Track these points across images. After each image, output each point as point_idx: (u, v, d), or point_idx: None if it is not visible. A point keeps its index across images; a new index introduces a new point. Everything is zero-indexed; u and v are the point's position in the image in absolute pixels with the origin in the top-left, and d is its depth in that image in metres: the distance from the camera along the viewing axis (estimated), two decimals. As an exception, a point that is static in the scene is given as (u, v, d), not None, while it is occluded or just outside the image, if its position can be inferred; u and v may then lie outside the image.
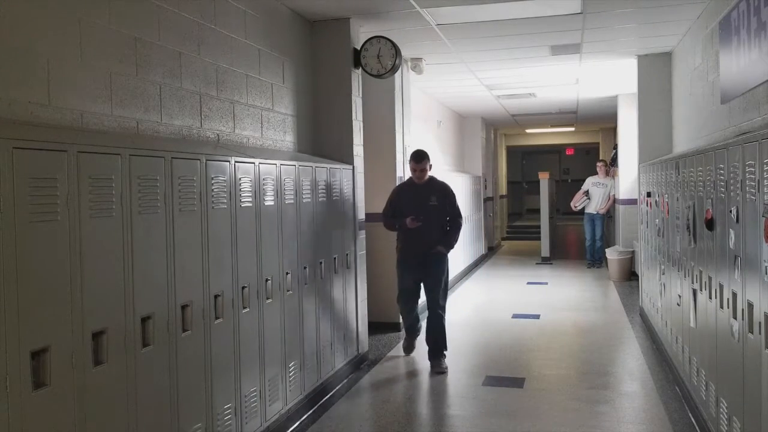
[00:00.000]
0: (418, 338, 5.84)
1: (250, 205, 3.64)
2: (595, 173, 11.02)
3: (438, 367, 5.34)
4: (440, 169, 10.00)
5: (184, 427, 3.01)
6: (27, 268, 2.17)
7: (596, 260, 10.92)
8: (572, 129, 16.16)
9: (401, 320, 5.98)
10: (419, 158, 5.36)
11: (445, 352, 5.46)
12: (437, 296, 5.42)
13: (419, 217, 5.27)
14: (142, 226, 2.74)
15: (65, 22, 2.79)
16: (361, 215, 5.54)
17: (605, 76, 8.54)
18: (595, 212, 10.77)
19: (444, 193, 5.46)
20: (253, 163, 3.70)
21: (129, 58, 3.17)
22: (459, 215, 5.50)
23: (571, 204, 11.15)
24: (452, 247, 5.50)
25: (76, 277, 2.38)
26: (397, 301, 5.70)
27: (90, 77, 2.92)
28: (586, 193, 10.87)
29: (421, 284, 5.52)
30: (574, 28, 5.86)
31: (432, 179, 5.49)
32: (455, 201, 5.55)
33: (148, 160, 2.81)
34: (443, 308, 5.49)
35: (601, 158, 12.91)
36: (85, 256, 2.42)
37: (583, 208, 10.90)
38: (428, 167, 5.39)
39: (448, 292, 5.89)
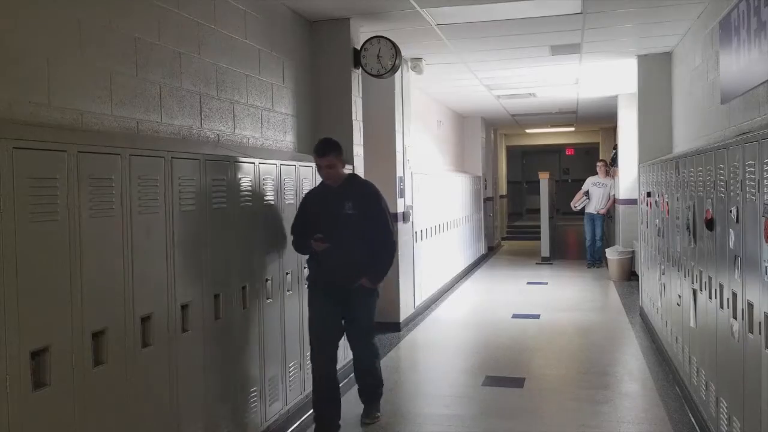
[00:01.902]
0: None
1: (251, 204, 3.64)
2: (595, 173, 11.02)
3: (370, 416, 4.19)
4: (440, 169, 10.01)
5: (185, 428, 3.01)
6: (27, 268, 2.17)
7: (596, 260, 10.91)
8: (572, 129, 16.16)
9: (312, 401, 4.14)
10: (323, 149, 3.86)
11: (380, 392, 4.31)
12: (365, 343, 4.14)
13: (331, 233, 3.82)
14: (142, 226, 2.74)
15: (65, 22, 2.79)
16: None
17: (605, 76, 8.54)
18: (595, 212, 10.77)
19: (364, 196, 3.95)
20: (253, 163, 3.70)
21: (129, 58, 3.17)
22: (386, 229, 3.94)
23: (571, 204, 11.15)
24: (382, 277, 3.99)
25: (76, 277, 2.38)
26: (311, 358, 4.11)
27: (90, 77, 2.92)
28: (586, 193, 10.87)
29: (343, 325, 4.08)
30: (574, 28, 5.86)
31: (352, 179, 4.12)
32: (382, 208, 3.98)
33: (148, 160, 2.81)
34: (375, 349, 4.23)
35: (601, 158, 12.88)
36: (85, 256, 2.42)
37: (583, 208, 10.90)
38: (341, 161, 3.93)
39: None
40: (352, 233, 3.86)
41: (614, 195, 10.60)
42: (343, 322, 4.04)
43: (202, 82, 3.79)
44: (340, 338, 4.09)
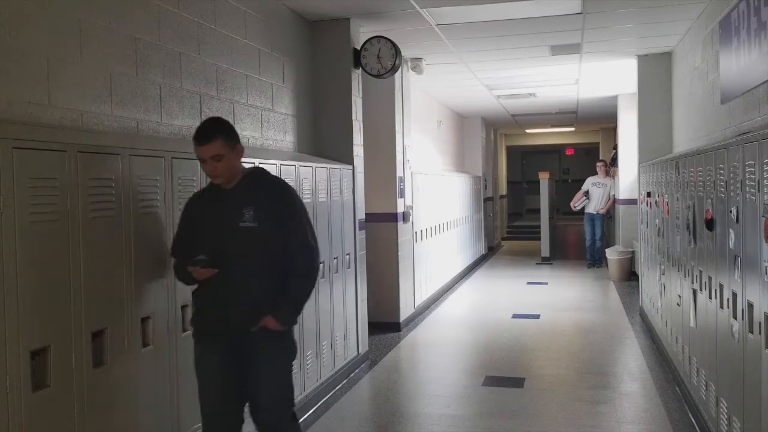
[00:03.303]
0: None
1: (250, 205, 3.63)
2: (595, 173, 11.02)
3: None
4: (440, 170, 10.01)
5: (184, 427, 3.01)
6: (27, 268, 2.17)
7: (596, 260, 10.91)
8: (572, 129, 16.16)
9: None
10: (205, 134, 2.72)
11: None
12: (275, 419, 2.84)
13: (221, 253, 2.71)
14: (142, 226, 2.74)
15: (65, 22, 2.79)
16: (361, 215, 5.54)
17: (605, 76, 8.54)
18: (595, 212, 10.77)
19: (272, 200, 2.81)
20: (253, 163, 3.69)
21: (129, 58, 3.17)
22: (305, 247, 2.82)
23: (571, 204, 11.15)
24: (296, 315, 2.86)
25: (77, 277, 2.38)
26: None
27: (90, 77, 2.92)
28: (586, 193, 10.86)
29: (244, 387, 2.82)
30: (574, 28, 5.86)
31: (253, 175, 2.89)
32: (299, 216, 2.85)
33: (148, 160, 2.81)
34: (293, 428, 2.93)
35: (601, 158, 12.87)
36: (85, 256, 2.42)
37: (583, 208, 10.90)
38: (235, 151, 2.76)
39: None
40: (251, 254, 2.73)
41: (614, 195, 10.60)
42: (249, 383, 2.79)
43: (202, 82, 3.79)
44: (242, 409, 2.84)
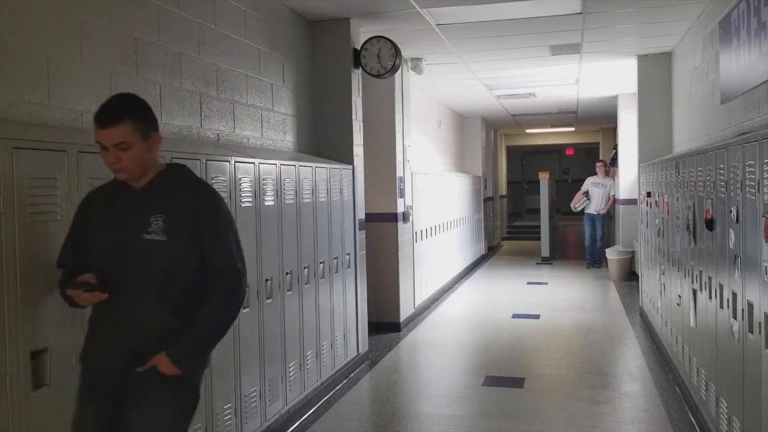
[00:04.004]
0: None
1: (250, 205, 3.64)
2: (595, 173, 11.02)
3: None
4: (440, 170, 10.01)
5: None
6: (27, 268, 2.17)
7: (596, 261, 10.91)
8: (572, 129, 16.16)
9: None
10: (109, 115, 2.13)
11: None
12: None
13: (116, 273, 2.12)
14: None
15: (65, 22, 2.79)
16: (361, 215, 5.54)
17: (605, 76, 8.54)
18: (595, 213, 10.76)
19: (190, 207, 2.19)
20: (253, 163, 3.70)
21: (129, 58, 3.17)
22: (230, 266, 2.21)
23: (571, 205, 11.13)
24: (200, 357, 2.22)
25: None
26: None
27: (90, 77, 2.92)
28: (586, 193, 10.85)
29: None
30: (574, 28, 5.86)
31: (171, 174, 2.28)
32: (225, 228, 2.24)
33: (148, 160, 2.80)
34: None
35: (600, 158, 12.85)
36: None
37: (583, 209, 10.89)
38: (149, 139, 2.17)
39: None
40: (154, 276, 2.11)
41: (614, 195, 10.60)
42: None
43: (202, 82, 3.80)
44: None
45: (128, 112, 2.12)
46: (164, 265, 2.12)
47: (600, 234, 10.84)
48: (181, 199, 2.19)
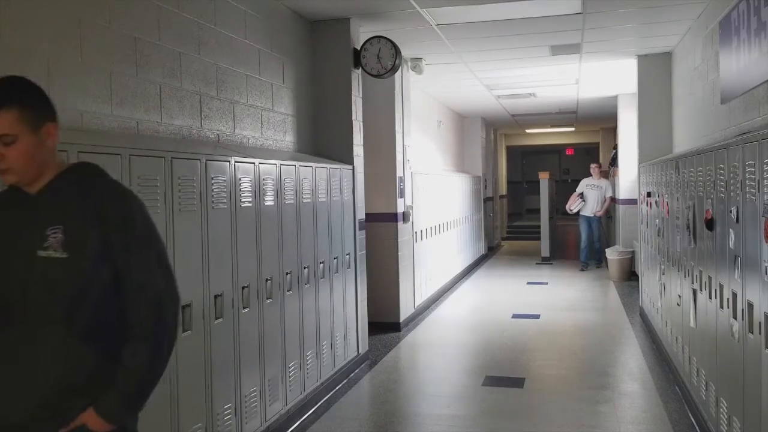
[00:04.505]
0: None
1: (251, 205, 3.64)
2: (590, 175, 10.93)
3: None
4: (440, 169, 10.01)
5: (184, 427, 3.01)
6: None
7: (592, 261, 10.82)
8: (572, 129, 16.16)
9: None
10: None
11: None
12: None
13: (5, 303, 1.71)
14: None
15: (65, 22, 2.79)
16: (361, 215, 5.54)
17: (605, 76, 8.54)
18: (591, 215, 10.68)
19: (98, 215, 1.72)
20: (253, 163, 3.70)
21: (129, 58, 3.17)
22: (153, 287, 1.75)
23: (567, 207, 11.05)
24: (137, 406, 1.77)
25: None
26: None
27: (90, 77, 2.92)
28: (581, 195, 10.79)
29: None
30: (574, 28, 5.86)
31: (74, 174, 1.81)
32: (145, 240, 1.78)
33: (148, 160, 2.81)
34: None
35: (595, 161, 12.58)
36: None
37: (579, 211, 10.80)
38: (42, 131, 1.73)
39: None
40: (55, 303, 1.69)
41: (610, 196, 10.57)
42: None
43: (202, 82, 3.79)
44: None
45: (11, 97, 1.68)
46: (68, 288, 1.67)
47: (597, 235, 10.79)
48: (86, 206, 1.71)
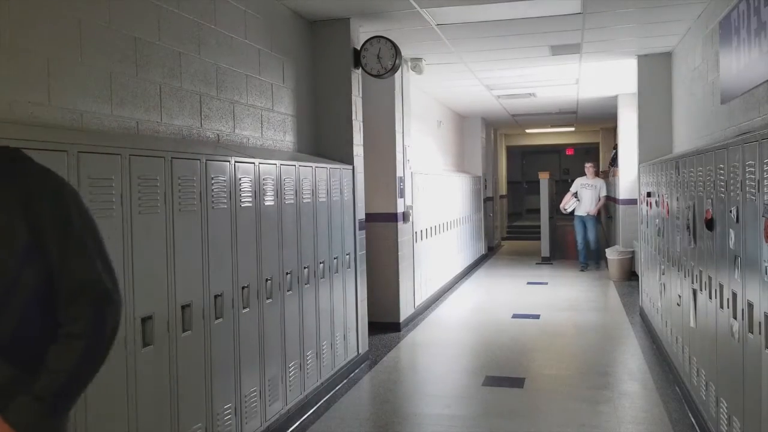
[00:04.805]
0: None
1: (251, 205, 3.64)
2: (584, 174, 10.83)
3: None
4: (440, 169, 10.01)
5: (184, 427, 3.01)
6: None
7: (592, 262, 10.81)
8: (572, 129, 16.17)
9: None
10: None
11: None
12: None
13: None
14: (142, 226, 2.74)
15: (65, 22, 2.79)
16: (361, 215, 5.54)
17: (605, 76, 8.54)
18: (585, 214, 10.63)
19: (24, 207, 1.47)
20: (253, 163, 3.70)
21: (129, 58, 3.17)
22: (92, 285, 1.51)
23: (561, 206, 11.00)
24: (57, 414, 1.47)
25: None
26: None
27: (90, 77, 2.92)
28: (575, 194, 10.73)
29: None
30: (574, 28, 5.86)
31: None
32: (81, 234, 1.52)
33: (148, 160, 2.81)
34: None
35: (592, 161, 12.41)
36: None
37: (573, 211, 10.75)
38: None
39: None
40: None
41: (605, 195, 10.55)
42: None
43: (202, 82, 3.79)
44: None
45: None
46: None
47: (593, 236, 10.69)
48: (10, 195, 1.47)
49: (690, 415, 4.14)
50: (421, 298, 7.56)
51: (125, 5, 3.16)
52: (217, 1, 3.98)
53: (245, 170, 3.59)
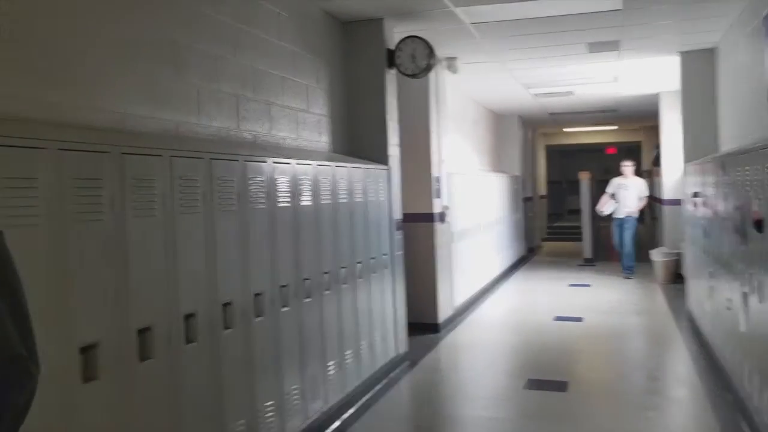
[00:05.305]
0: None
1: (288, 205, 3.65)
2: (621, 174, 10.21)
3: None
4: (477, 169, 9.92)
5: (228, 422, 3.04)
6: (74, 267, 2.22)
7: (634, 266, 10.12)
8: (612, 128, 15.84)
9: None
10: None
11: None
12: None
13: None
14: (183, 225, 2.77)
15: (105, 25, 2.85)
16: (398, 215, 5.51)
17: (646, 74, 8.33)
18: (624, 216, 10.03)
19: None
20: (290, 163, 3.71)
21: (168, 61, 3.22)
22: (7, 345, 1.09)
23: (597, 209, 10.52)
24: None
25: (122, 275, 2.42)
26: None
27: (130, 80, 2.97)
28: (613, 196, 10.17)
29: None
30: (613, 25, 5.72)
31: None
32: None
33: (188, 161, 2.84)
34: None
35: (630, 159, 11.75)
36: (129, 256, 2.46)
37: (611, 213, 10.16)
38: None
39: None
40: None
41: (646, 195, 10.14)
42: None
43: (239, 84, 3.83)
44: None
45: None
46: None
47: (630, 238, 10.04)
48: None
49: (744, 422, 3.98)
50: (460, 299, 7.48)
51: (164, 9, 3.21)
52: (252, 3, 4.02)
53: (282, 170, 3.61)
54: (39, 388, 1.15)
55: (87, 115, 2.71)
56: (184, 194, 2.79)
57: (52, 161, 2.17)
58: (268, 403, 3.38)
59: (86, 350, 2.25)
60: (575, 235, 13.74)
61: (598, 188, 17.61)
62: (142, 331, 2.51)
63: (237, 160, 3.19)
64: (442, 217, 6.69)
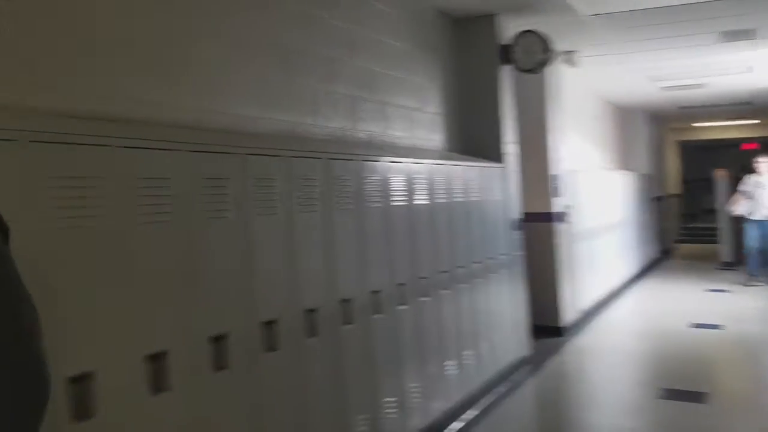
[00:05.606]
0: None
1: (404, 204, 3.66)
2: (755, 171, 9.19)
3: None
4: (599, 167, 9.46)
5: (352, 416, 3.09)
6: (203, 263, 2.35)
7: (764, 270, 9.06)
8: (750, 122, 14.47)
9: None
10: None
11: None
12: None
13: None
14: (302, 224, 2.85)
15: (223, 29, 2.98)
16: (517, 215, 5.36)
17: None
18: (763, 218, 9.01)
19: None
20: (405, 162, 3.73)
21: (282, 65, 3.33)
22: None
23: (727, 207, 9.61)
24: None
25: (247, 270, 2.53)
26: None
27: (248, 83, 3.09)
28: (747, 195, 9.20)
29: None
30: (749, 12, 5.22)
31: None
32: None
33: (306, 161, 2.93)
34: None
35: (764, 155, 10.45)
36: (255, 253, 2.57)
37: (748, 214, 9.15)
38: None
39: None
40: None
41: None
42: None
43: (355, 85, 3.91)
44: None
45: None
46: None
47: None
48: None
49: None
50: (586, 302, 7.14)
51: (279, 13, 3.33)
52: (365, 5, 4.09)
53: (397, 170, 3.63)
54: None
55: (210, 118, 2.84)
56: (303, 193, 2.87)
57: (185, 162, 2.31)
58: (390, 400, 3.40)
59: (217, 340, 2.38)
60: (710, 236, 12.67)
61: (733, 187, 16.07)
62: (268, 324, 2.61)
63: (353, 159, 3.25)
64: (562, 216, 6.43)
